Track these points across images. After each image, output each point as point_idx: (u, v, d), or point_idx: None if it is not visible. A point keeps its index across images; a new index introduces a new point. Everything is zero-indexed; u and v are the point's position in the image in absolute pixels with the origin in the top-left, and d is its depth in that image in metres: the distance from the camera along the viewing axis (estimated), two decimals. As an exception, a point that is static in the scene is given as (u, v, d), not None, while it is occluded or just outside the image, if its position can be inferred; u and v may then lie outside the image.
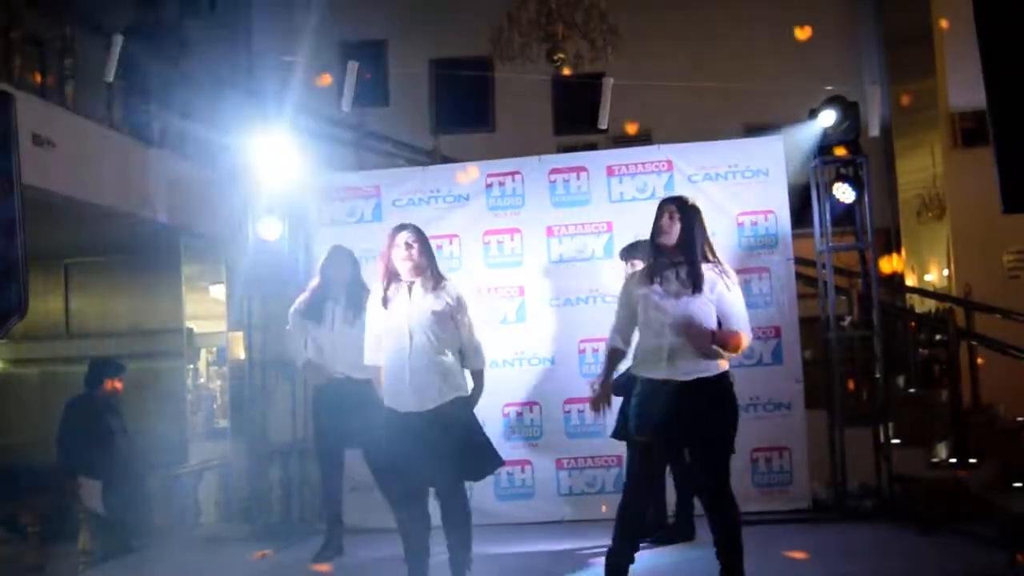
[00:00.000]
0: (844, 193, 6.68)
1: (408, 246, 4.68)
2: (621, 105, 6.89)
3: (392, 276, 4.71)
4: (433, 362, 4.63)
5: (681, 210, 4.48)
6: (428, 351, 4.62)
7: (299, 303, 6.15)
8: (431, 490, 4.86)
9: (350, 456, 6.18)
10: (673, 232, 4.45)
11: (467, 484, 6.69)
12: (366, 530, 6.42)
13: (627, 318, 4.61)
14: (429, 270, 4.75)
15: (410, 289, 4.69)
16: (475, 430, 4.81)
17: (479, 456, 4.78)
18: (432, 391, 4.60)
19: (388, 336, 4.68)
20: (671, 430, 4.44)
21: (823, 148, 6.73)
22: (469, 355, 4.85)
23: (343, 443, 6.04)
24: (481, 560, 5.55)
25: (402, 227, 4.79)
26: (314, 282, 6.16)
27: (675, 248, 4.45)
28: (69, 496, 7.28)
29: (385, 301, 4.69)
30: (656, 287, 4.46)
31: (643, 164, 6.93)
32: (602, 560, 5.28)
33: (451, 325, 4.70)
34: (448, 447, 4.57)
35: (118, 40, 6.77)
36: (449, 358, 4.70)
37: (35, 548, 6.83)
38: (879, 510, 6.39)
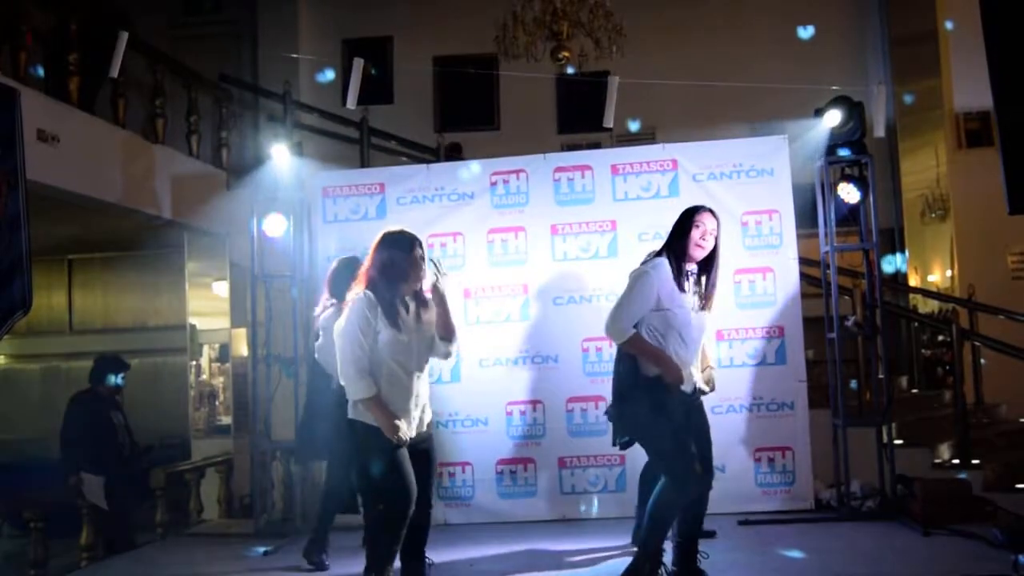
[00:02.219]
0: (849, 193, 6.67)
1: (424, 261, 4.49)
2: (626, 104, 6.87)
3: (396, 291, 4.46)
4: (425, 385, 4.60)
5: (718, 228, 4.60)
6: (425, 372, 4.59)
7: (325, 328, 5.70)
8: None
9: None
10: (709, 248, 4.58)
11: (470, 483, 6.79)
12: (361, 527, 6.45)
13: (644, 311, 4.53)
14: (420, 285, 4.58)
15: (407, 306, 4.49)
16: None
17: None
18: (427, 415, 4.61)
19: (394, 357, 4.41)
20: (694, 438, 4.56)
21: (828, 148, 6.72)
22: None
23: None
24: (484, 560, 5.56)
25: (413, 237, 4.51)
26: (325, 301, 5.82)
27: (703, 262, 4.60)
28: (72, 491, 7.29)
29: (396, 320, 4.40)
30: (689, 297, 4.57)
31: (648, 163, 6.92)
32: (604, 559, 5.31)
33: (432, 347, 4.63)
34: (430, 465, 4.64)
35: (123, 36, 6.77)
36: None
37: (38, 543, 6.84)
38: (882, 510, 6.38)
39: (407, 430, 4.39)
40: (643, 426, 4.59)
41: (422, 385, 4.55)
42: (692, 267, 4.60)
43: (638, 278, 4.60)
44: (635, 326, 4.50)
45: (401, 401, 4.43)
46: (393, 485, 4.34)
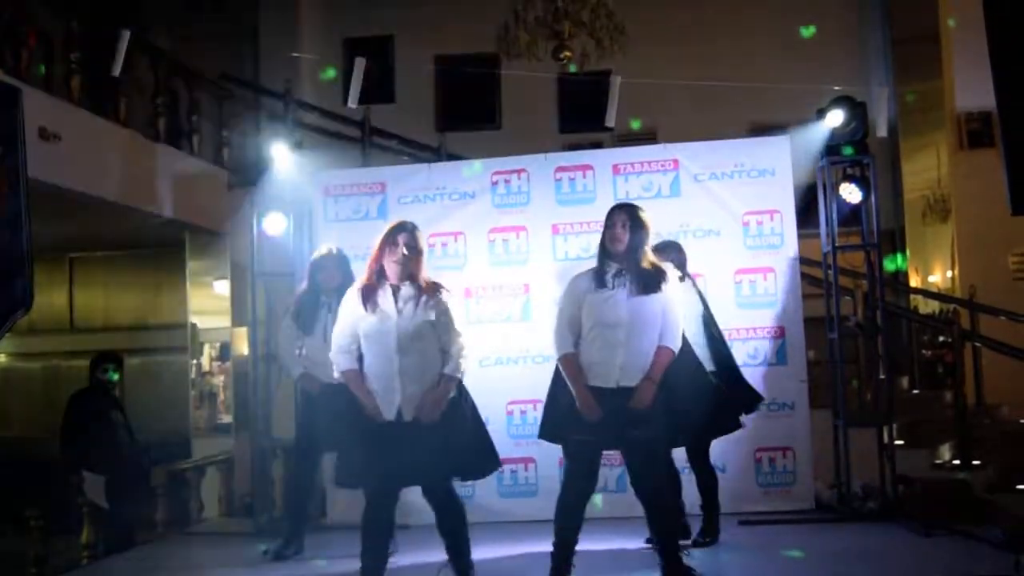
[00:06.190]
0: (851, 193, 6.67)
1: (408, 248, 4.53)
2: (627, 103, 6.88)
3: (380, 276, 4.57)
4: (418, 369, 4.55)
5: (632, 219, 4.72)
6: (416, 359, 4.54)
7: (293, 310, 6.07)
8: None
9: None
10: (625, 239, 4.69)
11: (469, 482, 6.76)
12: (356, 526, 6.47)
13: (575, 319, 4.72)
14: (419, 275, 4.61)
15: (395, 293, 4.54)
16: (465, 429, 4.72)
17: (472, 454, 4.75)
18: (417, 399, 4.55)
19: (371, 340, 4.53)
20: (619, 437, 4.67)
21: (830, 148, 6.71)
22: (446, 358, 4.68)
23: (325, 446, 6.08)
24: (484, 560, 5.54)
25: (402, 227, 4.61)
26: (303, 286, 6.11)
27: (624, 253, 4.68)
28: (73, 490, 7.29)
29: (369, 303, 4.52)
30: (608, 290, 4.66)
31: (649, 163, 6.92)
32: (604, 558, 5.29)
33: (435, 334, 4.60)
34: (438, 446, 4.56)
35: (125, 35, 6.77)
36: (432, 365, 4.60)
37: (38, 541, 6.84)
38: (882, 511, 6.37)
39: (381, 410, 4.50)
40: (558, 422, 4.88)
41: (407, 370, 4.51)
42: (611, 265, 4.71)
43: None
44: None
45: (380, 381, 4.52)
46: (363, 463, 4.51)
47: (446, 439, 4.56)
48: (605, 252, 4.75)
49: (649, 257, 4.73)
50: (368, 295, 4.55)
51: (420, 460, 4.54)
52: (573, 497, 4.77)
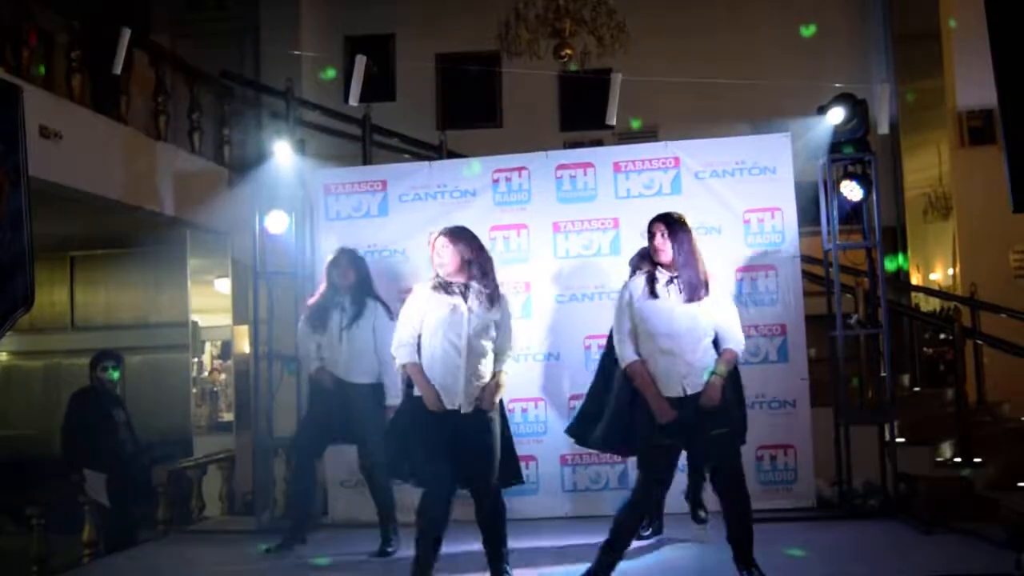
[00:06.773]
0: (852, 191, 6.67)
1: (441, 247, 4.74)
2: (628, 101, 6.87)
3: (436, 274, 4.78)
4: (480, 365, 4.72)
5: (669, 227, 4.72)
6: (479, 355, 4.70)
7: (308, 308, 6.15)
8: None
9: (339, 452, 6.37)
10: (667, 249, 4.69)
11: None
12: (357, 525, 6.54)
13: (633, 327, 4.71)
14: (477, 274, 4.76)
15: (464, 291, 4.71)
16: (505, 432, 4.86)
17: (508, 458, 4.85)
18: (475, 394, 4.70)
19: (439, 332, 4.68)
20: (701, 438, 4.68)
21: (831, 146, 6.71)
22: (500, 356, 4.87)
23: (328, 441, 6.15)
24: (483, 557, 5.55)
25: (439, 230, 4.84)
26: (322, 286, 6.15)
27: (671, 262, 4.68)
28: (74, 488, 7.28)
29: (439, 297, 4.72)
30: (660, 299, 4.66)
31: (650, 160, 6.92)
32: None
33: (494, 333, 4.79)
34: (493, 440, 4.72)
35: (126, 33, 6.76)
36: (489, 362, 4.78)
37: (40, 540, 6.84)
38: (883, 509, 6.38)
39: (442, 402, 4.62)
40: (627, 428, 4.84)
41: (471, 364, 4.67)
42: (663, 273, 4.71)
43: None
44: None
45: (446, 374, 4.65)
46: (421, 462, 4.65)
47: (495, 435, 4.73)
48: (653, 262, 4.77)
49: (699, 261, 4.71)
50: (439, 290, 4.72)
51: (478, 451, 4.66)
52: (648, 500, 4.81)
